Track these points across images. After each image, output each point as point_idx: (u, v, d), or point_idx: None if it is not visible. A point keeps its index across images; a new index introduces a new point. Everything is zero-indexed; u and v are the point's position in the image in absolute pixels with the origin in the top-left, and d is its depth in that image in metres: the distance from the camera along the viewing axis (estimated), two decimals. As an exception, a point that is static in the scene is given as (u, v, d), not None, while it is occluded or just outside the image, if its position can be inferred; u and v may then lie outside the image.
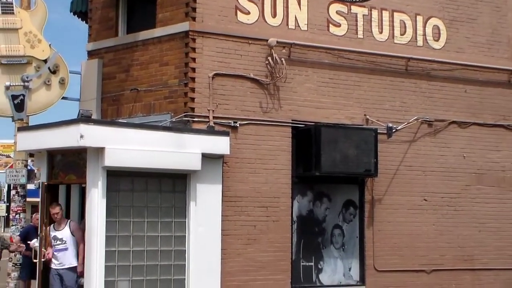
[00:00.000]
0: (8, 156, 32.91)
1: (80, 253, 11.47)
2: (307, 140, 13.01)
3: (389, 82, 14.22)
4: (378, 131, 13.59)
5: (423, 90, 14.59)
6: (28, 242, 12.46)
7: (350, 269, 13.84)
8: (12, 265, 14.39)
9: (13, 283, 14.43)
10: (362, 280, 13.74)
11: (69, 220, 11.96)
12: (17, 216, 13.59)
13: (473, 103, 15.06)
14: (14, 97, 13.00)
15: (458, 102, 14.91)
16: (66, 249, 11.49)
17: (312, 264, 13.47)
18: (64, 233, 11.58)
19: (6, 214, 44.37)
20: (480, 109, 15.14)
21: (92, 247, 11.23)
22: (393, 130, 13.82)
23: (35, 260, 11.85)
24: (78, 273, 11.42)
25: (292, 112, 13.18)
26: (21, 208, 13.72)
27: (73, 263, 11.49)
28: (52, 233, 11.65)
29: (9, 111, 13.17)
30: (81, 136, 10.81)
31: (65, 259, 11.48)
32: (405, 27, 14.52)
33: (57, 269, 11.47)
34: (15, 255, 14.25)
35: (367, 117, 13.87)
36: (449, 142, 14.74)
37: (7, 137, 37.06)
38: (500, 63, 15.35)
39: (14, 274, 14.34)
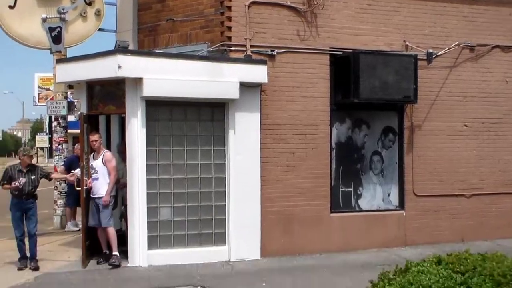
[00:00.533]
0: (48, 89, 33.17)
1: (109, 183, 11.56)
2: (345, 68, 12.78)
3: (429, 7, 13.83)
4: (418, 57, 13.31)
5: (465, 14, 14.18)
6: (72, 171, 12.62)
7: (389, 195, 13.84)
8: (58, 193, 14.76)
9: (60, 210, 14.83)
10: (402, 205, 13.74)
11: (104, 151, 12.03)
12: (59, 146, 13.82)
13: None
14: (51, 30, 13.09)
15: (502, 25, 14.47)
16: (97, 178, 11.59)
17: (351, 190, 13.50)
18: (98, 163, 11.68)
19: (49, 145, 44.68)
20: None
21: (134, 175, 11.46)
22: (433, 56, 13.56)
23: (78, 189, 12.02)
24: (102, 201, 11.49)
25: (330, 40, 12.95)
26: (63, 139, 13.92)
27: (101, 192, 11.53)
28: (90, 162, 11.81)
29: (47, 43, 13.27)
30: (119, 67, 10.87)
31: (95, 188, 11.61)
32: None
33: (93, 197, 11.66)
34: (60, 184, 14.57)
35: (407, 43, 13.59)
36: (491, 67, 14.40)
37: (46, 70, 37.14)
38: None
39: (60, 202, 14.73)
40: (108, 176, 11.54)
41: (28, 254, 11.50)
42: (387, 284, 6.39)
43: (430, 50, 13.53)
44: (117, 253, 11.43)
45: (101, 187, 11.53)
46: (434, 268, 6.50)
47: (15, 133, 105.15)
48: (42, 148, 66.75)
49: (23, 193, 11.19)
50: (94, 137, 11.67)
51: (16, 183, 11.00)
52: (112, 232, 11.54)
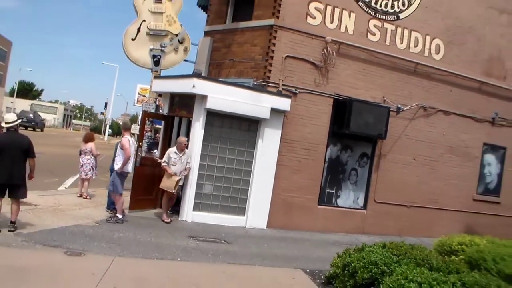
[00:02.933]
0: (144, 96, 32.27)
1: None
2: (342, 109, 11.51)
3: (402, 77, 12.49)
4: (390, 109, 12.11)
5: (424, 85, 12.82)
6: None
7: (358, 198, 12.38)
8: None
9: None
10: (365, 206, 12.36)
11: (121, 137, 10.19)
12: (146, 133, 12.29)
13: (455, 99, 13.25)
14: (154, 56, 12.39)
15: (445, 97, 13.15)
16: (117, 156, 9.65)
17: (334, 191, 12.07)
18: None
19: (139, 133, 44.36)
20: (459, 104, 13.32)
21: (192, 159, 10.28)
22: (401, 110, 12.31)
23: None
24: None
25: (335, 88, 11.62)
26: (149, 129, 12.48)
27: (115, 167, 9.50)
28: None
29: (150, 65, 12.50)
30: (193, 86, 9.98)
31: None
32: (417, 41, 12.68)
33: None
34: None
35: (385, 98, 12.21)
36: (435, 123, 13.07)
37: (143, 82, 37.10)
38: (476, 75, 13.48)
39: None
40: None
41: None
42: (348, 257, 6.47)
43: (399, 105, 12.27)
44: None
45: (116, 163, 9.56)
46: (380, 250, 6.44)
47: (119, 121, 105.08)
48: (134, 134, 66.37)
49: None
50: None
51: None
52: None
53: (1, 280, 5.29)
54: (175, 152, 9.87)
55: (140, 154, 10.62)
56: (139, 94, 33.92)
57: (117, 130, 79.65)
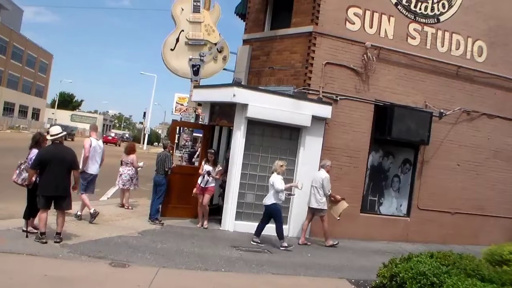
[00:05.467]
0: (181, 105, 32.34)
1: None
2: (384, 115, 11.12)
3: (444, 81, 11.96)
4: (433, 114, 11.63)
5: (467, 89, 12.25)
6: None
7: (401, 205, 11.92)
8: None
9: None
10: (408, 213, 11.88)
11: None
12: (186, 143, 12.11)
13: (499, 102, 12.61)
14: (193, 66, 12.26)
15: (489, 100, 12.50)
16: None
17: (376, 199, 11.66)
18: None
19: (177, 142, 44.31)
20: (503, 107, 12.66)
21: (233, 169, 10.16)
22: (443, 115, 11.80)
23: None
24: None
25: (376, 94, 11.23)
26: (189, 138, 12.31)
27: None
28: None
29: (189, 74, 12.36)
30: (234, 95, 9.72)
31: None
32: (459, 44, 12.12)
33: None
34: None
35: (426, 103, 11.72)
36: (479, 127, 12.47)
37: (181, 91, 37.25)
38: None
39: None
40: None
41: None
42: (394, 267, 6.01)
43: (442, 110, 11.77)
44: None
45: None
46: (428, 260, 5.96)
47: (157, 130, 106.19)
48: (162, 142, 66.70)
49: None
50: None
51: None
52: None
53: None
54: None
55: (173, 162, 10.28)
56: (177, 103, 34.10)
57: (155, 139, 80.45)
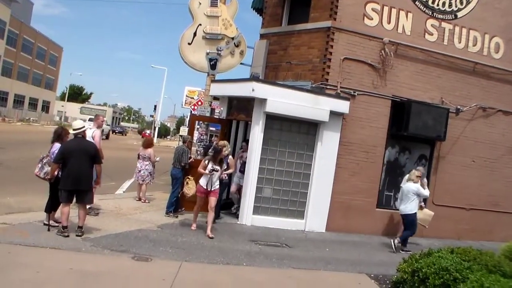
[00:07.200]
0: (191, 98, 32.10)
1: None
2: (401, 110, 11.03)
3: (461, 77, 11.84)
4: (450, 110, 11.54)
5: (483, 85, 12.12)
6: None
7: None
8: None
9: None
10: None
11: None
12: (201, 137, 12.00)
13: None
14: (210, 60, 12.11)
15: (505, 96, 12.36)
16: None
17: (392, 194, 11.55)
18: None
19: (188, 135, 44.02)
20: None
21: (251, 164, 10.13)
22: (460, 111, 11.72)
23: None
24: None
25: (393, 90, 11.14)
26: (204, 132, 12.20)
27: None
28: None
29: (206, 68, 12.23)
30: (253, 90, 9.65)
31: None
32: (476, 40, 11.99)
33: None
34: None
35: (443, 99, 11.62)
36: (495, 124, 12.37)
37: (191, 85, 37.16)
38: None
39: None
40: None
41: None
42: (415, 262, 6.03)
43: (458, 106, 11.69)
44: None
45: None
46: (449, 256, 5.96)
47: (166, 123, 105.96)
48: (182, 136, 66.52)
49: None
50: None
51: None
52: None
53: (79, 285, 5.22)
54: None
55: (190, 157, 10.18)
56: (187, 96, 33.78)
57: (164, 132, 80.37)
